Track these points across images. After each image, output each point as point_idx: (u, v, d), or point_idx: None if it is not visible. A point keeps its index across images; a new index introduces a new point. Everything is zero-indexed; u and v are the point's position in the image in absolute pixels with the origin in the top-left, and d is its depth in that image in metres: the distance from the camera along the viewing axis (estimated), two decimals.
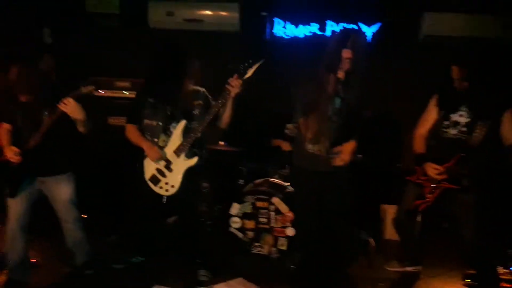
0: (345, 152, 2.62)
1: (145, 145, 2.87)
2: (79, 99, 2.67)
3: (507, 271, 3.02)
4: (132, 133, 2.94)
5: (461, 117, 2.77)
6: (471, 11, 4.11)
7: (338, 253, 2.99)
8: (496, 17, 4.07)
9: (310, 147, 2.71)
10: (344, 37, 2.50)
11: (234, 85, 2.65)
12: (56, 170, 2.83)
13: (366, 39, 2.66)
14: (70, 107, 2.63)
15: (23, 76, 2.70)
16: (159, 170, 2.89)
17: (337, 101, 2.61)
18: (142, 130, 2.93)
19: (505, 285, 2.91)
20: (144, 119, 2.91)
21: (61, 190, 2.85)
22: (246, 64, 2.68)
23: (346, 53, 2.45)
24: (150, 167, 2.91)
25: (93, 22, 4.68)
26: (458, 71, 2.82)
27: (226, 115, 2.80)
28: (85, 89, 2.71)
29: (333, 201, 2.78)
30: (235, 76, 2.66)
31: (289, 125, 3.87)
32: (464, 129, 2.75)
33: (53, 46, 4.60)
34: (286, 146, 3.82)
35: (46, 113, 2.70)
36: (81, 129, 2.75)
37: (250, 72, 2.69)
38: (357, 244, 3.55)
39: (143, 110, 2.90)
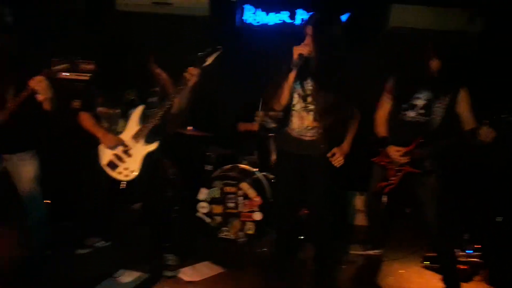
0: (340, 152, 2.65)
1: (99, 133, 2.81)
2: (50, 78, 2.62)
3: (463, 253, 3.17)
4: (86, 121, 2.86)
5: (418, 99, 2.83)
6: (437, 4, 4.22)
7: (317, 238, 2.95)
8: (461, 10, 4.19)
9: (293, 130, 2.68)
10: (310, 16, 2.61)
11: (193, 74, 2.63)
12: (21, 147, 2.82)
13: (336, 21, 2.64)
14: (41, 85, 2.57)
15: None
16: (117, 156, 2.82)
17: (308, 83, 2.58)
18: (97, 117, 2.86)
19: (461, 266, 3.05)
20: (99, 107, 2.83)
21: (26, 168, 2.84)
22: (205, 53, 2.66)
23: (308, 29, 2.53)
24: (107, 153, 2.84)
25: (58, 3, 4.50)
26: (433, 53, 2.77)
27: (181, 103, 2.76)
28: (59, 67, 2.67)
29: (316, 184, 2.75)
30: (194, 64, 2.64)
31: (259, 112, 3.89)
32: (422, 111, 2.81)
33: (15, 26, 4.41)
34: (254, 127, 3.82)
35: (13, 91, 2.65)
36: (47, 106, 2.70)
37: (208, 61, 2.67)
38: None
39: (97, 98, 2.83)
